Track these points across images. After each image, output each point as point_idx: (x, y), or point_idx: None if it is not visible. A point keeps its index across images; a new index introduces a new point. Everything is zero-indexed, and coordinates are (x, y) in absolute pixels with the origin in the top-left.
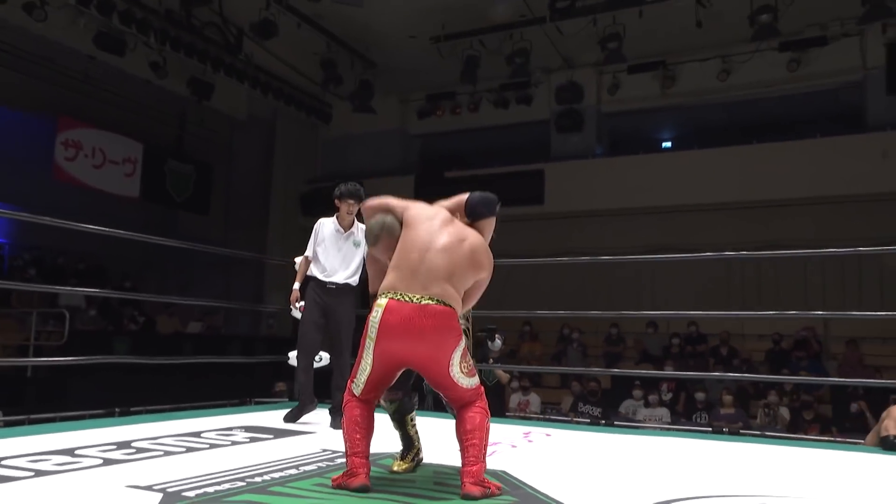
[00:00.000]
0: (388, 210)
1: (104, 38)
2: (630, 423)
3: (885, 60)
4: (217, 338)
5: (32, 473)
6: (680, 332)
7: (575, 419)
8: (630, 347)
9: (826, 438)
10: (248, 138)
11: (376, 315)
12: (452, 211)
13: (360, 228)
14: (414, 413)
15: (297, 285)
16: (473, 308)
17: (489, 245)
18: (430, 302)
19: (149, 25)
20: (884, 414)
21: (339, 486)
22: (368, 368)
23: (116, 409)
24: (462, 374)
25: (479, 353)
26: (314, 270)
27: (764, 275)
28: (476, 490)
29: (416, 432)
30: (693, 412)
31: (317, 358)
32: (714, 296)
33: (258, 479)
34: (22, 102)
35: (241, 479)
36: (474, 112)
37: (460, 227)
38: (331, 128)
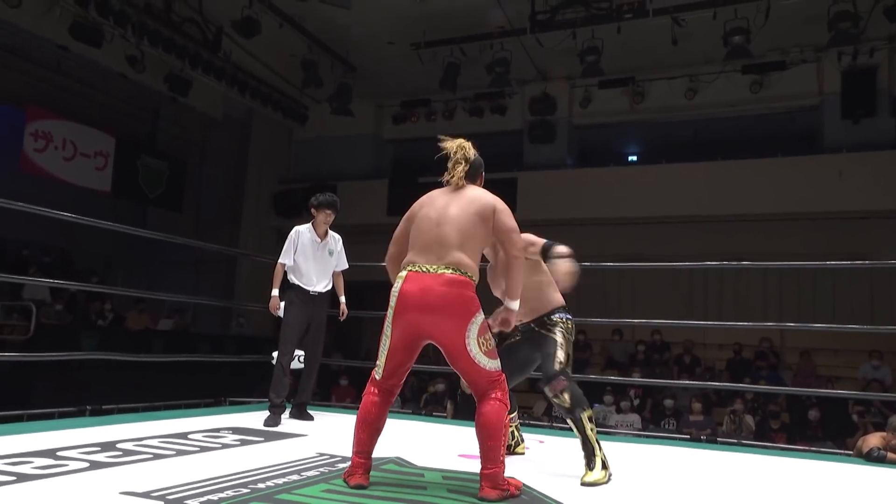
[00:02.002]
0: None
1: (80, 28)
2: (605, 429)
3: (840, 87)
4: (187, 335)
5: (14, 478)
6: (645, 340)
7: (554, 425)
8: (596, 354)
9: (812, 449)
10: (222, 136)
11: (396, 286)
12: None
13: (333, 238)
14: (514, 415)
15: (275, 292)
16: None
17: None
18: (445, 271)
19: (127, 18)
20: (867, 436)
21: (343, 479)
22: (388, 342)
23: (87, 408)
24: (480, 350)
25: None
26: (294, 278)
27: (726, 286)
28: (493, 494)
29: (516, 428)
30: (661, 418)
31: (297, 358)
32: (678, 305)
33: (261, 486)
34: None
35: (244, 486)
36: (449, 119)
37: (471, 194)
38: (305, 129)
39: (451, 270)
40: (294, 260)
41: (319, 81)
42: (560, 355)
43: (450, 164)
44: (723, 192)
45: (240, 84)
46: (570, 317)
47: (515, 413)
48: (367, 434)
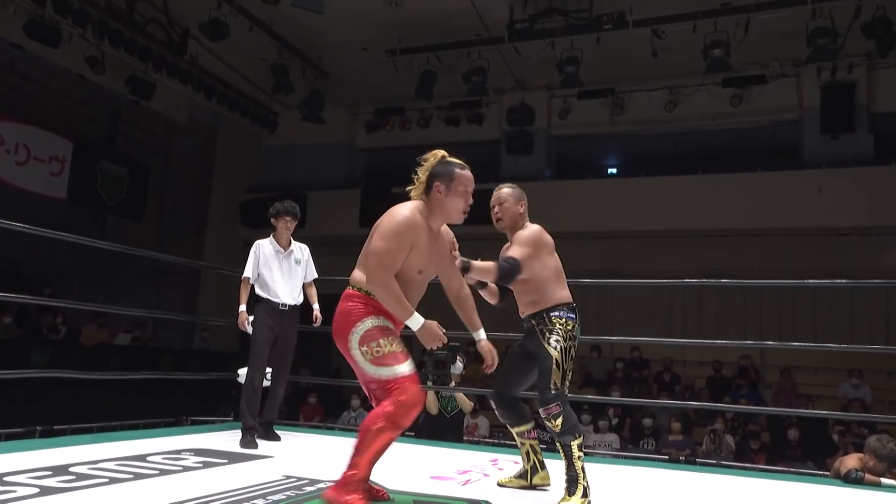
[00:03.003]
0: None
1: (36, 26)
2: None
3: (820, 102)
4: (146, 351)
5: None
6: (623, 357)
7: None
8: (574, 371)
9: (791, 470)
10: (187, 142)
11: None
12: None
13: (298, 247)
14: (525, 429)
15: (243, 307)
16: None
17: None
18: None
19: (86, 17)
20: (844, 458)
21: None
22: None
23: (38, 428)
24: (364, 359)
25: (440, 375)
26: (261, 292)
27: (706, 303)
28: (329, 495)
29: (530, 449)
30: (640, 438)
31: (267, 377)
32: (657, 322)
33: None
34: None
35: None
36: (424, 128)
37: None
38: (275, 137)
39: (349, 287)
40: (259, 273)
41: (290, 87)
42: (555, 374)
43: None
44: (702, 206)
45: (206, 88)
46: (573, 316)
47: (528, 426)
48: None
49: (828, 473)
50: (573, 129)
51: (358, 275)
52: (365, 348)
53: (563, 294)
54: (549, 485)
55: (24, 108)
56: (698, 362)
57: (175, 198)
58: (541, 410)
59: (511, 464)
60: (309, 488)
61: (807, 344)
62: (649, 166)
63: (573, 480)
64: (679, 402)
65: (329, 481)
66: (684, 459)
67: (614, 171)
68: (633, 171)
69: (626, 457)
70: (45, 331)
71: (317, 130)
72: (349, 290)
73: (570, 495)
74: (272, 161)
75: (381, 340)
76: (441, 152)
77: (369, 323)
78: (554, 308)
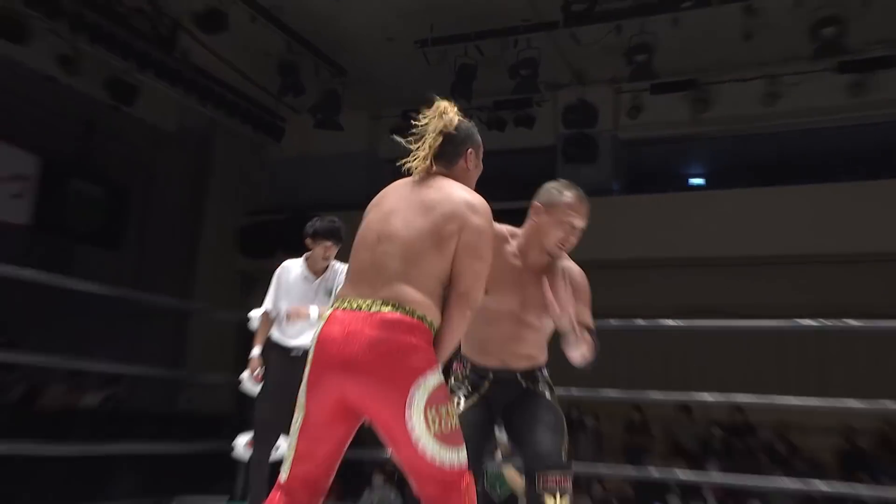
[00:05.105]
0: None
1: None
2: None
3: None
4: (121, 415)
5: None
6: (722, 421)
7: None
8: (657, 439)
9: None
10: (176, 156)
11: (316, 330)
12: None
13: (336, 272)
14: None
15: (256, 351)
16: None
17: None
18: (382, 309)
19: (59, 9)
20: None
21: None
22: (300, 417)
23: None
24: (428, 430)
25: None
26: (275, 332)
27: (831, 350)
28: None
29: None
30: None
31: (275, 447)
32: (766, 375)
33: None
34: None
35: None
36: None
37: (436, 193)
38: (282, 147)
39: (390, 308)
40: (276, 306)
41: (300, 88)
42: (566, 439)
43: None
44: (820, 224)
45: (200, 90)
46: None
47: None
48: None
49: None
50: (646, 130)
51: (414, 295)
52: (433, 414)
53: None
54: None
55: None
56: (823, 429)
57: (160, 223)
58: (545, 477)
59: None
60: None
61: None
62: (745, 175)
63: None
64: (799, 480)
65: None
66: None
67: (700, 181)
68: (725, 182)
69: None
70: None
71: (333, 138)
72: (403, 318)
73: None
74: (278, 176)
75: (449, 407)
76: (441, 104)
77: (437, 377)
78: (544, 366)
